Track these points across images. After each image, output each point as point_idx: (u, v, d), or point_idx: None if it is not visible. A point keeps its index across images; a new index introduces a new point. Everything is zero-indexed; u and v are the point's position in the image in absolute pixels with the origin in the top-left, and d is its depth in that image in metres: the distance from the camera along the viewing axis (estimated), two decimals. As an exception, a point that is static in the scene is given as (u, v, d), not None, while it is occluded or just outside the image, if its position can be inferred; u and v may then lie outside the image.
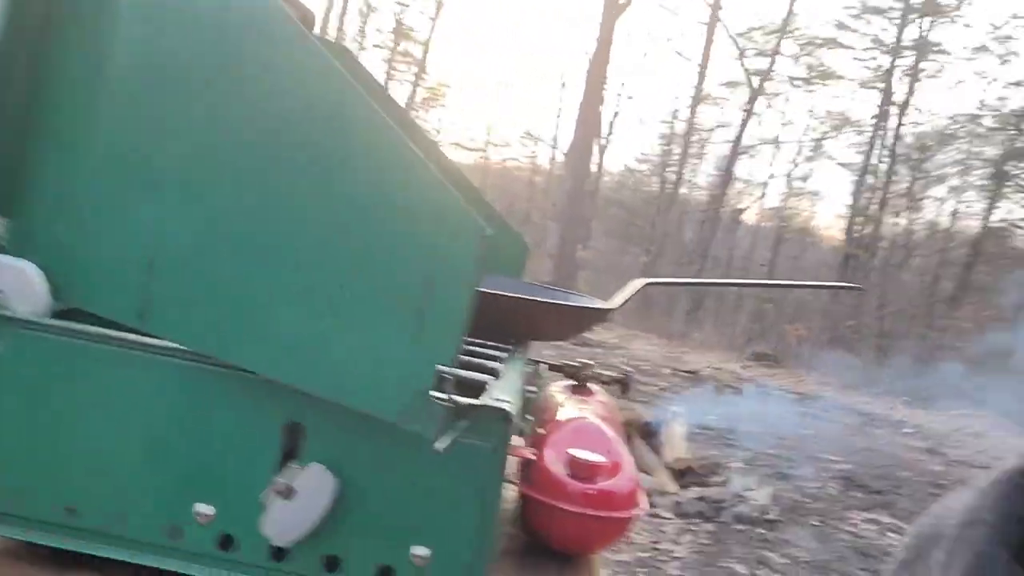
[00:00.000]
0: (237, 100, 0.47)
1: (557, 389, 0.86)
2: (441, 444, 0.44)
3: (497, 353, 0.67)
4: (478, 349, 0.67)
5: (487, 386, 0.55)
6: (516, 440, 0.67)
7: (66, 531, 0.51)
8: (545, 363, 0.89)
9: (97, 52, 0.50)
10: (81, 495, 0.51)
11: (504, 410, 0.50)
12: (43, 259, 0.52)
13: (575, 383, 0.87)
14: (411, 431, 0.44)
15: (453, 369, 0.46)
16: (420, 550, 0.50)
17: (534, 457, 0.66)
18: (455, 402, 0.48)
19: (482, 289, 0.67)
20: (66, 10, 0.50)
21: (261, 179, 0.47)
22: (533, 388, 0.74)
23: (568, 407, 0.78)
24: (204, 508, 0.50)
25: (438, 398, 0.44)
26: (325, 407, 0.48)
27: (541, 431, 0.71)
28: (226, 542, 0.51)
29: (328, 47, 0.85)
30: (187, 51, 0.48)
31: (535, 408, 0.79)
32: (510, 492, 0.68)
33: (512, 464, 0.69)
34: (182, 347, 0.50)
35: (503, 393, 0.54)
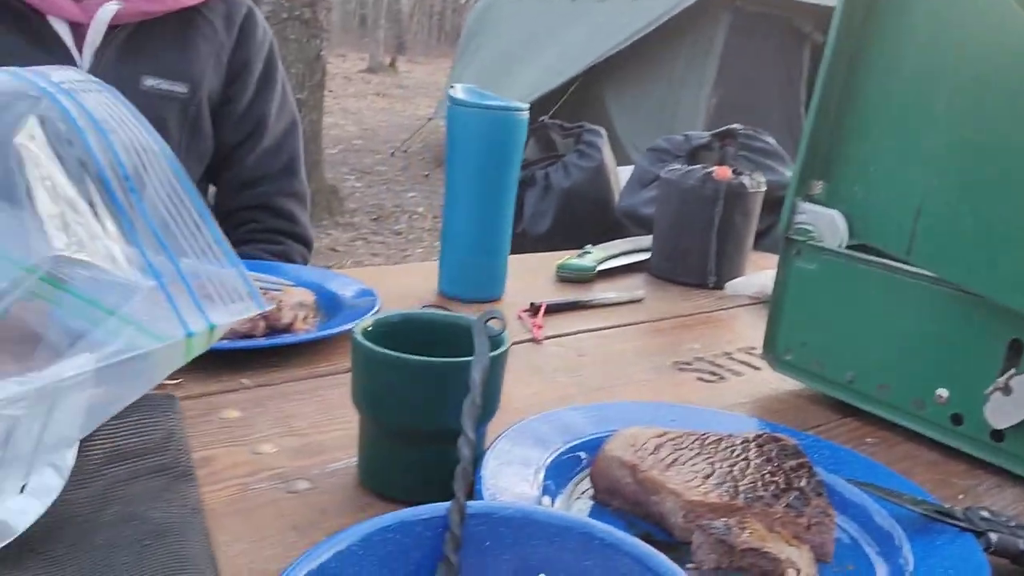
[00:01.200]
0: (979, 103, 0.64)
1: None
2: None
3: None
4: None
5: None
6: None
7: (848, 391, 0.77)
8: None
9: (893, 52, 0.73)
10: (859, 367, 0.76)
11: None
12: (844, 208, 0.77)
13: None
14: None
15: None
16: (1126, 460, 0.60)
17: None
18: None
19: None
20: (870, 24, 0.74)
21: (1002, 150, 0.63)
22: None
23: None
24: (943, 391, 0.70)
25: None
26: (1044, 330, 0.62)
27: None
28: (956, 419, 0.70)
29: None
30: (952, 54, 0.67)
31: None
32: None
33: None
34: (935, 275, 0.70)
35: None
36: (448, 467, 0.56)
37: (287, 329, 0.82)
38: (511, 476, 0.55)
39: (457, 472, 0.42)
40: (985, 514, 0.53)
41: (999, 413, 0.66)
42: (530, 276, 1.18)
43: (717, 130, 1.81)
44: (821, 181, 0.80)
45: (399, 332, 0.59)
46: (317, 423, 0.66)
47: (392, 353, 0.53)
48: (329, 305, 0.91)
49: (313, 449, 0.62)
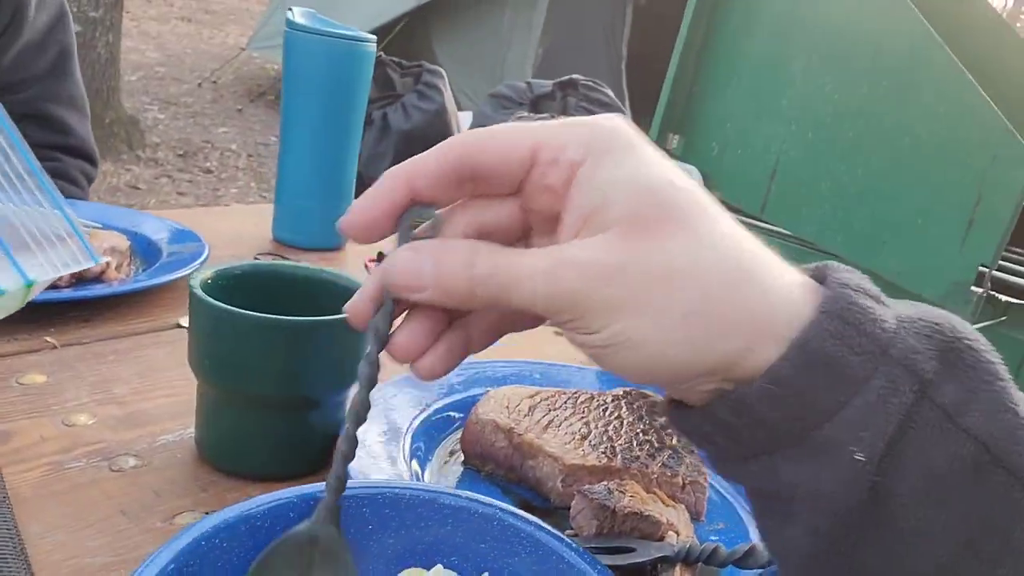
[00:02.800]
0: (835, 67, 0.65)
1: None
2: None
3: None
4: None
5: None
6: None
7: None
8: None
9: (752, 10, 0.73)
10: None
11: (1041, 312, 0.60)
12: (700, 164, 0.78)
13: None
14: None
15: (1002, 274, 0.58)
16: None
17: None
18: (994, 296, 0.60)
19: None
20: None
21: (856, 115, 0.65)
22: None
23: None
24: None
25: (976, 291, 0.57)
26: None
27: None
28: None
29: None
30: (810, 16, 0.68)
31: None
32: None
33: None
34: (788, 233, 0.72)
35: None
36: (304, 436, 0.50)
37: (97, 279, 0.71)
38: (378, 444, 0.50)
39: (330, 481, 0.35)
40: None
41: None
42: (371, 222, 1.11)
43: (559, 79, 1.80)
44: (678, 135, 0.80)
45: (244, 285, 0.51)
46: (140, 389, 0.58)
47: (248, 312, 0.46)
48: (146, 251, 0.80)
49: (138, 419, 0.54)
